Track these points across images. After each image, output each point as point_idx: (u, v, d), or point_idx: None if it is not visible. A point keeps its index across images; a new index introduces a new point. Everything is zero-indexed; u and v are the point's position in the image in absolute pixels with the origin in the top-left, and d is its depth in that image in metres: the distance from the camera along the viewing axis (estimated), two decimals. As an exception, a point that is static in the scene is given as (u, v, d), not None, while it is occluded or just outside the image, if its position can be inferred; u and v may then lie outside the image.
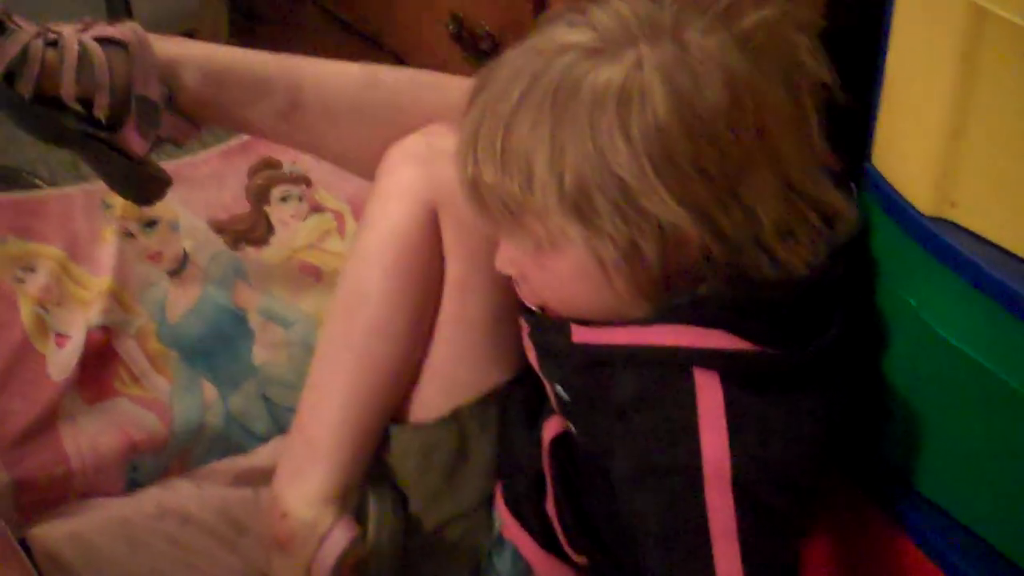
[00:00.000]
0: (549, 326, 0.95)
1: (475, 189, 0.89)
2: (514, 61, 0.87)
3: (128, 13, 2.34)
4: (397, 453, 1.09)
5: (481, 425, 1.08)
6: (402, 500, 1.09)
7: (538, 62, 0.85)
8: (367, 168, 1.12)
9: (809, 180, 0.88)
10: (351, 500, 1.07)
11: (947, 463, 0.92)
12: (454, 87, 1.09)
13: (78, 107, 1.02)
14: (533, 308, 0.98)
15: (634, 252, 0.85)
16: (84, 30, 1.05)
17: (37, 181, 1.91)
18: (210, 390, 1.34)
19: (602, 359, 0.90)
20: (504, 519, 1.06)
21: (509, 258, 0.94)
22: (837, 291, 0.90)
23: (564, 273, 0.90)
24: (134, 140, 1.07)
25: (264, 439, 1.33)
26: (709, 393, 0.85)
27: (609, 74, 0.83)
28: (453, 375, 1.08)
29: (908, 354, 0.92)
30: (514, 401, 1.07)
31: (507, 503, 1.06)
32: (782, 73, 0.86)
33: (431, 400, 1.08)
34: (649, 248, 0.84)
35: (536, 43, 0.88)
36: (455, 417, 1.07)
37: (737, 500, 0.83)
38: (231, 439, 1.33)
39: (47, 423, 1.26)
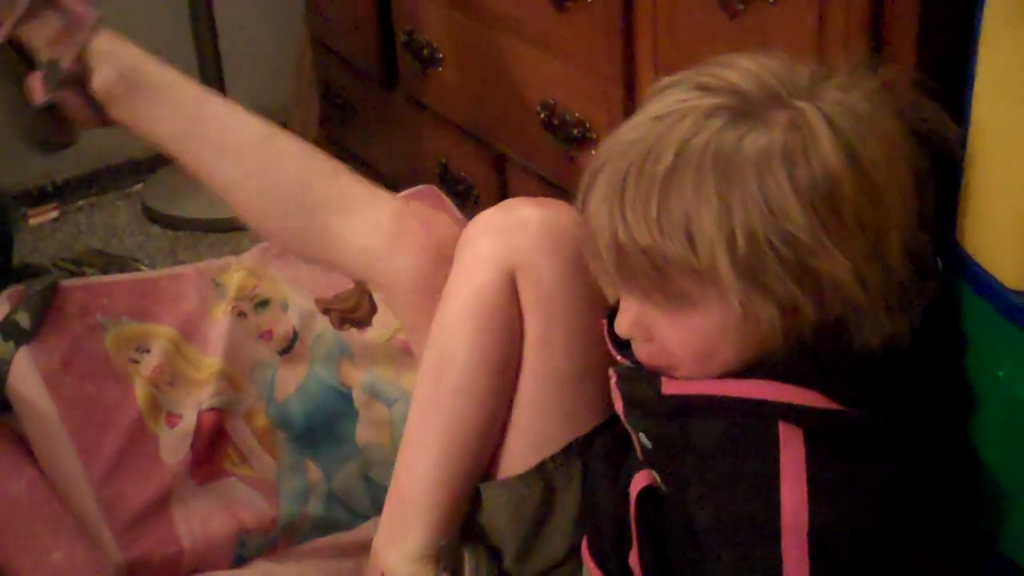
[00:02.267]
0: (639, 378, 1.01)
1: (620, 250, 0.92)
2: (649, 127, 0.92)
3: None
4: (488, 510, 1.16)
5: (567, 477, 1.14)
6: (495, 556, 1.17)
7: (684, 126, 0.89)
8: (241, 210, 1.31)
9: (917, 240, 0.93)
10: (446, 557, 1.15)
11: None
12: (339, 180, 1.28)
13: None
14: (633, 363, 1.03)
15: (793, 309, 0.90)
16: None
17: (141, 267, 2.02)
18: (314, 471, 1.43)
19: (688, 408, 0.96)
20: (590, 571, 1.12)
21: (633, 319, 0.98)
22: (927, 361, 0.95)
23: (706, 329, 0.94)
24: (37, 89, 1.33)
25: (366, 517, 1.42)
26: (792, 448, 0.90)
27: (770, 135, 0.88)
28: (539, 429, 1.15)
29: (998, 425, 0.97)
30: (596, 452, 1.13)
31: (592, 555, 1.11)
32: (910, 129, 0.92)
33: (518, 455, 1.15)
34: (807, 304, 0.89)
35: (670, 108, 0.92)
36: (540, 470, 1.14)
37: (811, 553, 0.89)
38: (334, 518, 1.42)
39: (160, 505, 1.35)
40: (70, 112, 1.34)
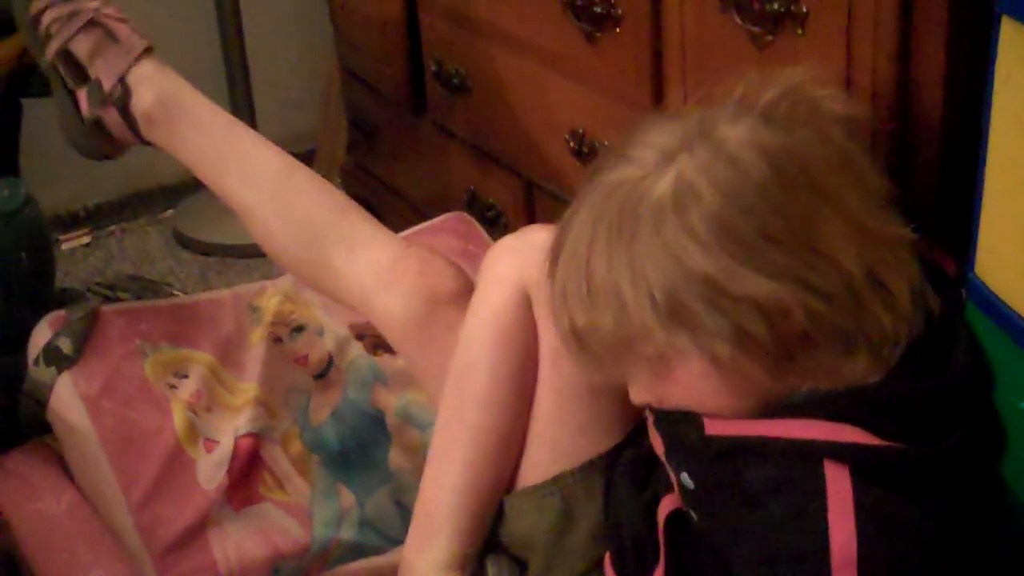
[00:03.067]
0: (679, 419, 1.04)
1: (576, 338, 1.00)
2: (574, 217, 1.00)
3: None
4: (509, 520, 1.21)
5: (587, 492, 1.18)
6: (518, 567, 1.21)
7: (596, 208, 0.98)
8: (256, 234, 1.41)
9: (876, 218, 0.96)
10: (471, 566, 1.20)
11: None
12: (348, 218, 1.36)
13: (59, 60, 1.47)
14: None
15: (744, 337, 0.94)
16: (107, 16, 1.47)
17: (175, 292, 2.06)
18: (347, 496, 1.46)
19: (734, 449, 0.99)
20: None
21: (639, 389, 1.04)
22: (964, 393, 0.97)
23: (691, 380, 0.99)
24: (83, 103, 1.47)
25: (398, 542, 1.42)
26: (838, 484, 0.93)
27: (660, 190, 0.94)
28: (556, 441, 1.19)
29: (1020, 456, 0.99)
30: (620, 469, 1.16)
31: (615, 569, 1.14)
32: (815, 129, 0.97)
33: (537, 467, 1.20)
34: (756, 328, 0.93)
35: (596, 185, 0.99)
36: (558, 481, 1.18)
37: None
38: (367, 544, 1.44)
39: (197, 530, 1.38)
40: (111, 129, 1.47)
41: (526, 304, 1.19)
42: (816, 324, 0.94)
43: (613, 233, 0.95)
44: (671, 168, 0.95)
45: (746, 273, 0.92)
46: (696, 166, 0.94)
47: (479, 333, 1.20)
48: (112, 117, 1.46)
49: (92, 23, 1.45)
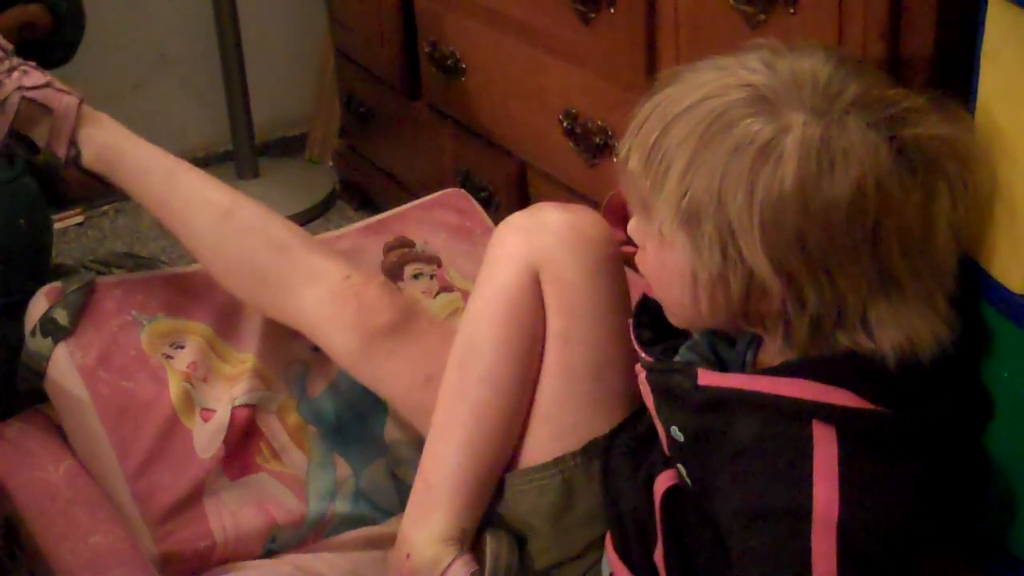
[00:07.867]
0: (675, 369, 1.06)
1: (623, 169, 1.02)
2: (704, 71, 1.00)
3: (248, 115, 2.54)
4: (510, 498, 1.23)
5: (586, 475, 1.20)
6: (517, 542, 1.23)
7: (716, 85, 0.97)
8: (211, 273, 1.47)
9: (913, 278, 0.96)
10: (469, 540, 1.22)
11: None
12: (290, 256, 1.40)
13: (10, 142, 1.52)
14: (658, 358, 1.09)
15: (722, 281, 0.97)
16: (31, 88, 1.48)
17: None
18: (343, 467, 1.47)
19: (725, 401, 1.01)
20: (614, 567, 1.16)
21: (636, 228, 1.06)
22: (952, 364, 0.99)
23: (669, 266, 1.02)
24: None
25: (393, 514, 1.46)
26: (825, 445, 0.95)
27: (761, 127, 0.94)
28: (559, 421, 1.21)
29: (1003, 426, 1.01)
30: (617, 452, 1.19)
31: (617, 551, 1.16)
32: (922, 191, 0.95)
33: (539, 446, 1.22)
34: (735, 284, 0.97)
35: (730, 65, 0.99)
36: (559, 463, 1.20)
37: (840, 548, 0.92)
38: (362, 515, 1.46)
39: (193, 499, 1.39)
40: (74, 183, 1.60)
41: (534, 283, 1.20)
42: (787, 316, 0.97)
43: (703, 123, 0.95)
44: (786, 118, 0.94)
45: (759, 249, 0.93)
46: (803, 138, 0.93)
47: (484, 311, 1.22)
48: (74, 176, 1.53)
49: (23, 104, 1.48)
